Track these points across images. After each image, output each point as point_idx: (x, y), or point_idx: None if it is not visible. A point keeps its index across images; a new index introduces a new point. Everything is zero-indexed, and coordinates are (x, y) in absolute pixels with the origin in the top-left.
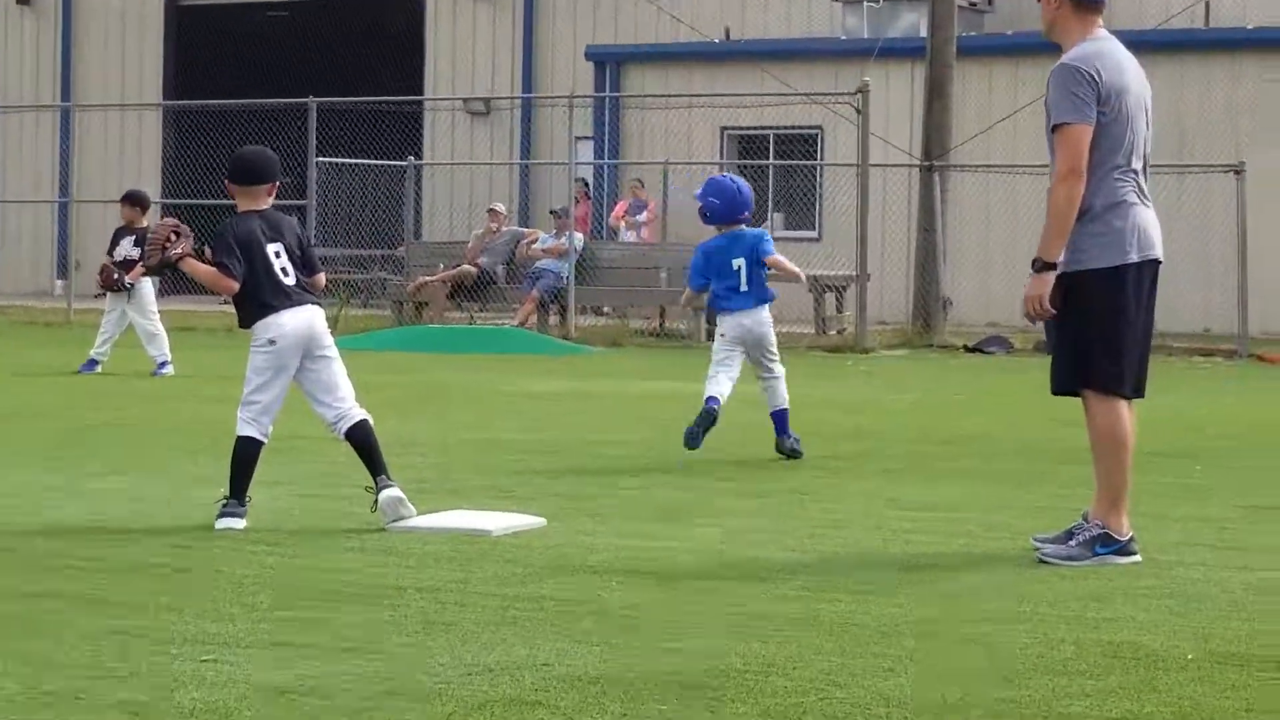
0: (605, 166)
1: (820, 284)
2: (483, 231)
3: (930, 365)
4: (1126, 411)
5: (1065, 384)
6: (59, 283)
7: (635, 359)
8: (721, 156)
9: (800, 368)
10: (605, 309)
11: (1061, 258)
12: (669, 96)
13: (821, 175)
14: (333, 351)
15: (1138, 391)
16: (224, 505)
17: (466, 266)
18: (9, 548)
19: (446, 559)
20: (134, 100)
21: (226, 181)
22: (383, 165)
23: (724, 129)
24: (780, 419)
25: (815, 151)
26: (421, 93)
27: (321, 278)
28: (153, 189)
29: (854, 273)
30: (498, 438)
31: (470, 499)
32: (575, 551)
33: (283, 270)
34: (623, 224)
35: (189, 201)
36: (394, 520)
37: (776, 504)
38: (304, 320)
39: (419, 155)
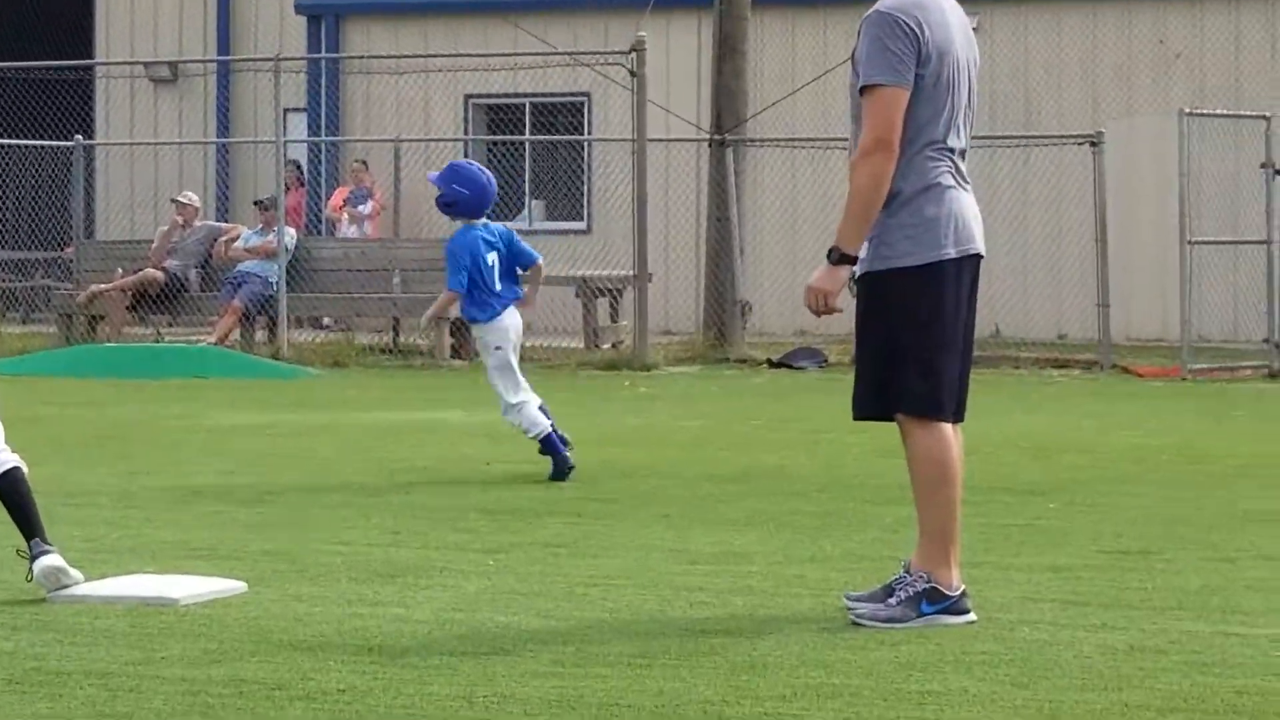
0: (323, 145)
1: (590, 287)
2: (169, 227)
3: (725, 384)
4: (951, 438)
5: (870, 408)
6: None
7: (363, 382)
8: (467, 131)
9: (566, 390)
10: (325, 321)
11: (863, 254)
12: (400, 58)
13: (590, 153)
14: None
15: (959, 414)
16: None
17: (151, 271)
18: None
19: (122, 635)
20: None
21: None
22: (44, 146)
23: (469, 97)
24: (551, 442)
25: (582, 124)
26: (91, 55)
27: None
28: None
29: (632, 273)
30: (191, 483)
31: (156, 560)
32: (282, 623)
33: None
34: (343, 216)
35: None
36: (56, 590)
37: (527, 559)
38: None
39: (89, 133)
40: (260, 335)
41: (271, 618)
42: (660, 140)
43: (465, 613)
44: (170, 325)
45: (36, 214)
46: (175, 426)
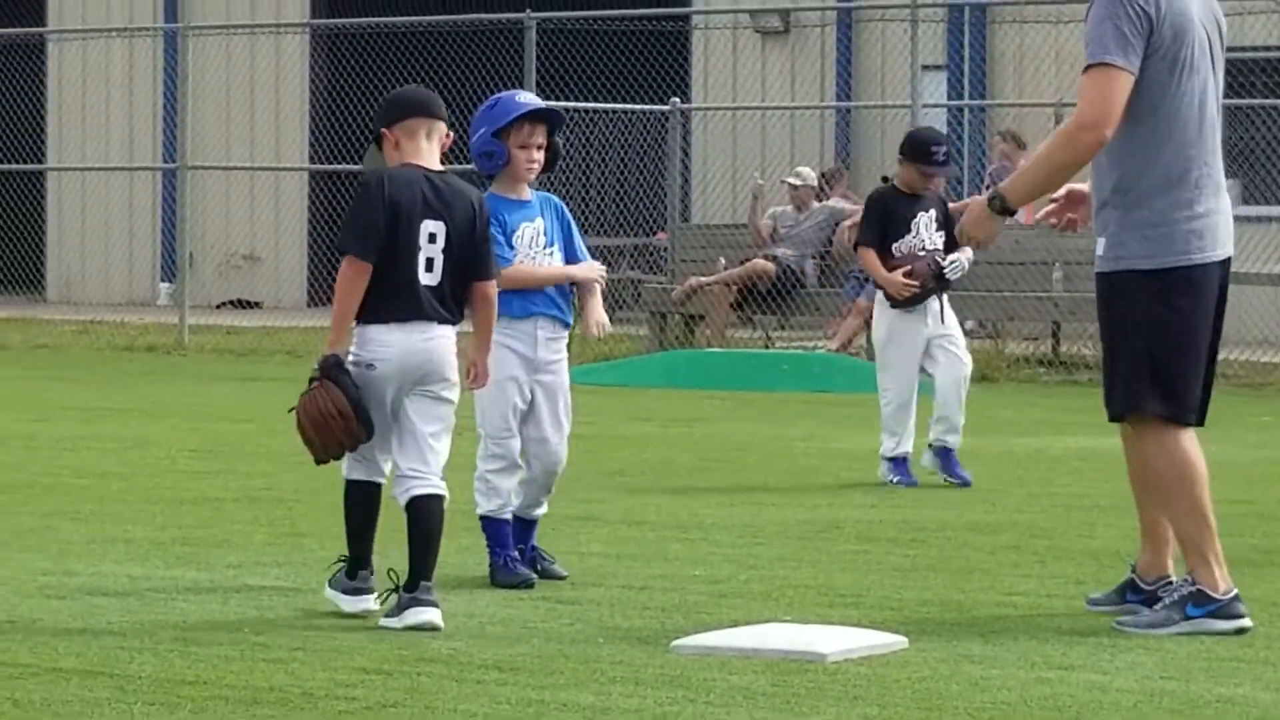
0: (965, 110)
1: None
2: (782, 210)
3: None
4: None
5: None
6: (164, 287)
7: (1018, 400)
8: None
9: (1272, 414)
10: (969, 324)
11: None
12: (1062, 3)
13: None
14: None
15: None
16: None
17: (760, 261)
18: (120, 670)
19: (764, 695)
20: (268, 19)
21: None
22: (636, 111)
23: None
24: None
25: None
26: (687, 3)
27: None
28: (296, 145)
29: None
30: (826, 517)
31: (794, 607)
32: (955, 686)
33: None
34: None
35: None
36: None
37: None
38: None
39: (685, 95)
40: None
41: (940, 679)
42: None
43: (1178, 682)
44: (781, 328)
45: (624, 192)
46: (800, 450)
